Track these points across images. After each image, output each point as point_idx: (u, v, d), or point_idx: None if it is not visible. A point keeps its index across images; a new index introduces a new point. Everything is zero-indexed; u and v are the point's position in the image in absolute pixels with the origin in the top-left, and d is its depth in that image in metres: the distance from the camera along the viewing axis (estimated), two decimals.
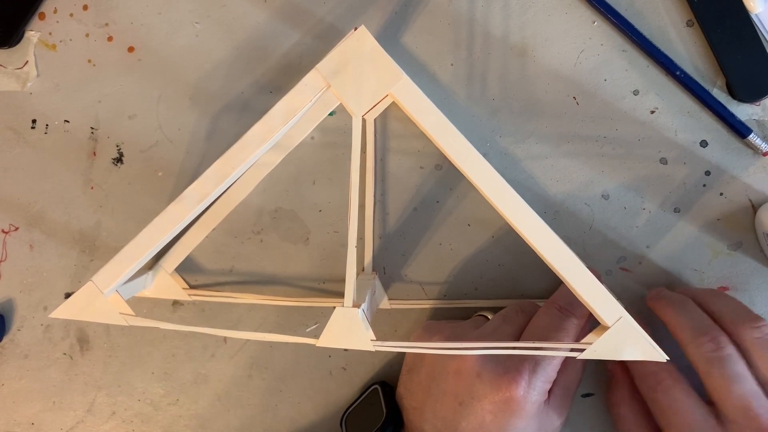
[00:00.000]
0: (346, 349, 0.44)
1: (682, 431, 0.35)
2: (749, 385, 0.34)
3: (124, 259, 0.35)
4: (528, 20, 0.41)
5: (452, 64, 0.42)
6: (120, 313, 0.36)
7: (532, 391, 0.36)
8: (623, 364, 0.40)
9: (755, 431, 0.33)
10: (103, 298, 0.35)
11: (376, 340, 0.34)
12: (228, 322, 0.45)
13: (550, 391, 0.37)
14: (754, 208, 0.41)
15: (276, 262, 0.44)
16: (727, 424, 0.34)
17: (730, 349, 0.35)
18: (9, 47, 0.44)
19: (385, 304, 0.43)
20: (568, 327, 0.37)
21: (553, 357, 0.36)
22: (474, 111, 0.42)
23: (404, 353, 0.42)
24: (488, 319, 0.40)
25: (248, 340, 0.45)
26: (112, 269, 0.35)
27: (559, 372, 0.38)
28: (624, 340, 0.33)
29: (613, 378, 0.41)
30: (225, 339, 0.45)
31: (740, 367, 0.35)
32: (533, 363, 0.36)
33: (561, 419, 0.38)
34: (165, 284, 0.42)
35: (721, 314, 0.37)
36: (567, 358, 0.38)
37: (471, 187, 0.38)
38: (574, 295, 0.34)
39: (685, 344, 0.36)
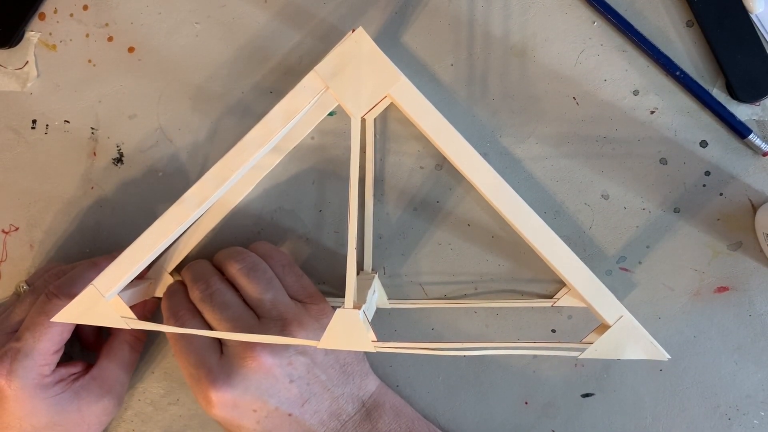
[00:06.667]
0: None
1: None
2: (234, 310, 0.38)
3: (125, 262, 0.35)
4: (528, 20, 0.41)
5: (452, 65, 0.42)
6: (121, 317, 0.36)
7: (16, 379, 0.37)
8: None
9: (243, 353, 0.37)
10: (104, 302, 0.35)
11: (377, 340, 0.34)
12: None
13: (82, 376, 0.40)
14: (754, 208, 0.41)
15: None
16: (226, 353, 0.38)
17: (218, 285, 0.39)
18: (9, 47, 0.44)
19: (385, 304, 0.43)
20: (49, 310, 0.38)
21: (35, 343, 0.37)
22: (474, 111, 0.42)
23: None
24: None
25: None
26: (113, 273, 0.35)
27: (104, 356, 0.41)
28: (625, 338, 0.34)
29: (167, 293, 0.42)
30: None
31: (228, 296, 0.38)
32: (15, 351, 0.37)
33: (102, 402, 0.40)
34: (164, 284, 0.42)
35: (217, 261, 0.41)
36: (112, 344, 0.42)
37: (471, 187, 0.38)
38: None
39: (189, 293, 0.40)
